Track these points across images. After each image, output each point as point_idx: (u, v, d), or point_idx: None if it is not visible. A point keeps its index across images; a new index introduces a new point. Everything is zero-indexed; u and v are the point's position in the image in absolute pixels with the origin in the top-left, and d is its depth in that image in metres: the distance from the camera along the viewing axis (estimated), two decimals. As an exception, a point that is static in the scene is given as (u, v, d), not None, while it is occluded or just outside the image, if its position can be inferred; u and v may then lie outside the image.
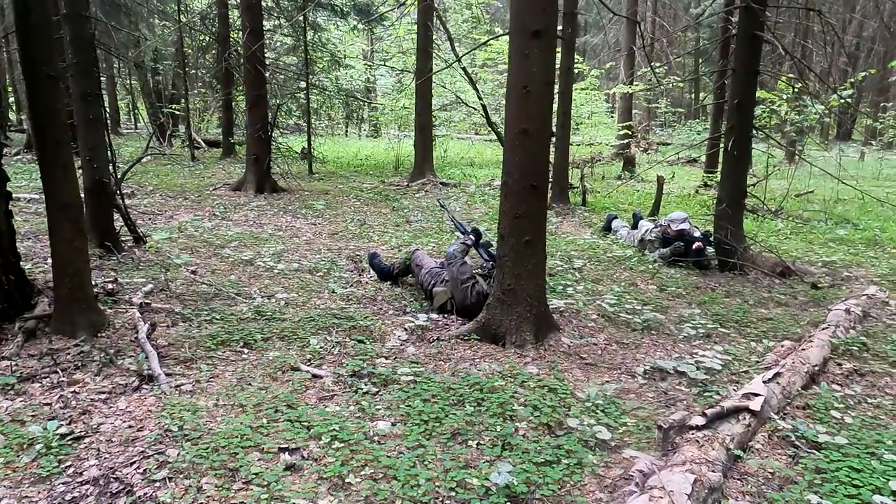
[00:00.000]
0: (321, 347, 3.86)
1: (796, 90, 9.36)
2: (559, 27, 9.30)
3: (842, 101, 8.64)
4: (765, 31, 5.61)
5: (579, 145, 16.04)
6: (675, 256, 6.27)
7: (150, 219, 7.78)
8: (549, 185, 9.86)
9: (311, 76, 14.29)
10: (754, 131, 6.08)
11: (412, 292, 5.25)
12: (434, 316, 4.59)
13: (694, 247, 6.16)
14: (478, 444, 2.80)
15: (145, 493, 2.41)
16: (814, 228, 8.44)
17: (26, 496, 2.39)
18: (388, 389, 3.35)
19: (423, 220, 8.50)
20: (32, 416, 2.94)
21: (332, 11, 14.34)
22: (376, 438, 2.83)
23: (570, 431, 2.91)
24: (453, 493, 2.42)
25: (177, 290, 4.83)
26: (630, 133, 15.73)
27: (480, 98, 11.77)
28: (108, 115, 6.59)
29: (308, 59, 14.15)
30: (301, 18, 13.46)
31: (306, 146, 14.06)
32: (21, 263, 3.97)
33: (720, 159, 7.45)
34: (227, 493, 2.40)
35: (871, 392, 3.57)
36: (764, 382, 3.26)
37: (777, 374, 3.41)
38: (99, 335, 3.77)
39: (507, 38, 3.88)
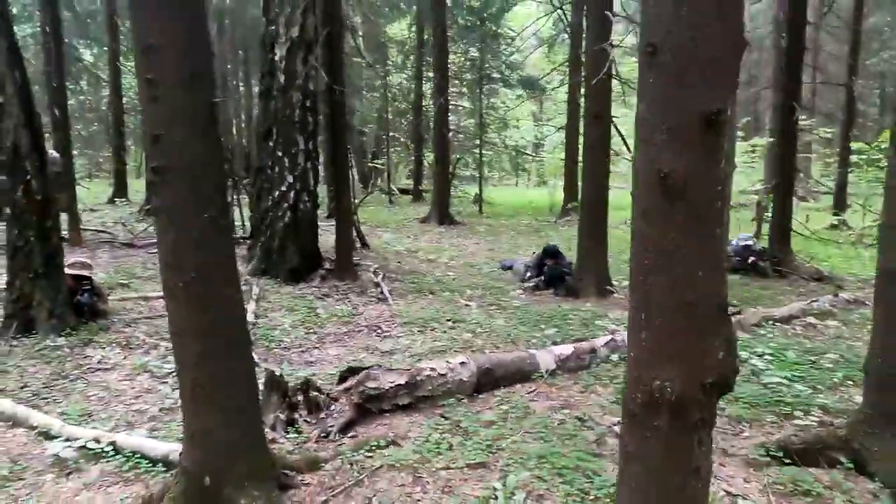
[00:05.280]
0: (472, 293, 6.78)
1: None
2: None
3: None
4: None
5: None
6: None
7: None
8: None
9: (483, 136, 17.72)
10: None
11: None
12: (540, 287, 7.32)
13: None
14: (544, 329, 5.49)
15: (388, 331, 5.44)
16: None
17: (338, 328, 5.52)
18: (505, 311, 6.14)
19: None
20: (333, 309, 6.15)
21: (503, 83, 17.77)
22: (496, 326, 5.63)
23: (596, 327, 5.49)
24: (524, 338, 5.14)
25: (391, 268, 8.04)
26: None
27: (629, 149, 14.21)
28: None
29: (482, 123, 17.62)
30: (478, 90, 17.01)
31: (478, 192, 17.37)
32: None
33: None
34: (424, 334, 5.34)
35: (807, 333, 5.63)
36: (731, 315, 5.54)
37: (738, 312, 5.67)
38: (355, 282, 7.00)
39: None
